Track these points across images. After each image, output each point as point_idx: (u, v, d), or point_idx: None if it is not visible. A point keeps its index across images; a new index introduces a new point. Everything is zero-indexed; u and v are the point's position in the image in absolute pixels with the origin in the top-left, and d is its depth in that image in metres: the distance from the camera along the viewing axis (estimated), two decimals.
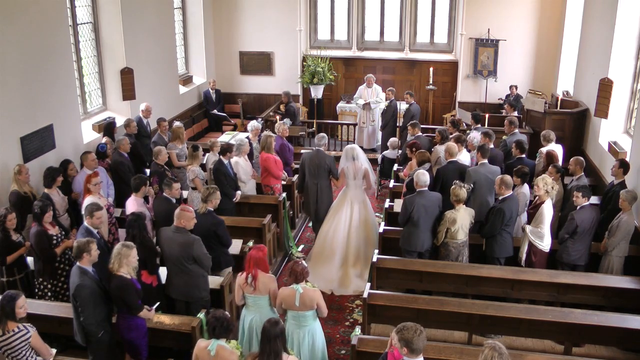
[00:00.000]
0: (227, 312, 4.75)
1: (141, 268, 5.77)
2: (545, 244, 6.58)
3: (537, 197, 6.75)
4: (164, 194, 6.92)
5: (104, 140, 8.94)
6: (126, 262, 5.08)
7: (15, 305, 4.58)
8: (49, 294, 6.19)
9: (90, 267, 5.14)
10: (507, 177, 6.75)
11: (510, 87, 12.64)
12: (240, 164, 8.37)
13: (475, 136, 8.60)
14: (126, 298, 5.08)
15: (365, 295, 6.01)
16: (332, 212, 7.98)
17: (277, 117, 11.55)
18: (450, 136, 8.59)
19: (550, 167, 7.42)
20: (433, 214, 6.75)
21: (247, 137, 9.22)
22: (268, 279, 5.51)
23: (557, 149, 8.50)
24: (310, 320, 5.40)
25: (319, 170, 8.05)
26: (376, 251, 6.94)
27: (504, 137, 9.16)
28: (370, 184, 8.13)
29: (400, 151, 10.01)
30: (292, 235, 8.84)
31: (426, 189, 6.77)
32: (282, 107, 12.22)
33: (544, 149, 8.32)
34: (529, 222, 6.80)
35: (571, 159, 7.60)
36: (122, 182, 8.00)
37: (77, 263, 5.12)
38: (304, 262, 5.58)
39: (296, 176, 8.93)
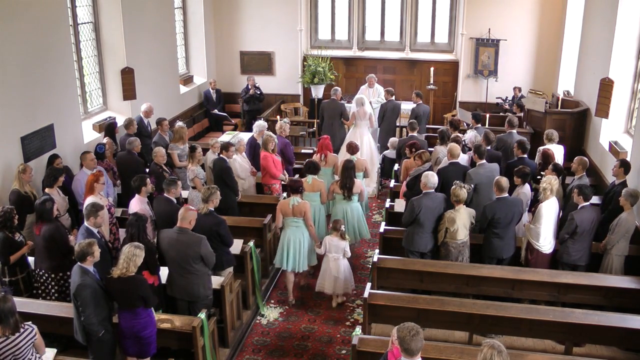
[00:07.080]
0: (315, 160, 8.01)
1: (143, 269, 5.78)
2: (541, 243, 6.57)
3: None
4: (166, 194, 6.86)
5: (104, 140, 8.93)
6: (138, 262, 5.12)
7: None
8: (53, 291, 6.20)
9: (91, 267, 5.14)
10: (503, 180, 6.70)
11: (514, 88, 12.61)
12: (237, 161, 8.46)
13: (471, 136, 8.58)
14: (145, 294, 5.12)
15: (365, 294, 6.02)
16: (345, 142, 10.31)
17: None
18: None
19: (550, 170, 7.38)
20: (437, 215, 6.75)
21: (252, 137, 9.26)
22: (334, 157, 8.83)
23: (558, 149, 8.48)
24: (359, 179, 8.15)
25: (335, 113, 10.88)
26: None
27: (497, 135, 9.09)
28: (373, 124, 10.82)
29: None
30: None
31: (433, 190, 6.78)
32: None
33: (541, 148, 8.31)
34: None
35: (575, 158, 7.57)
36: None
37: (78, 263, 5.13)
38: (356, 141, 8.92)
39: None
